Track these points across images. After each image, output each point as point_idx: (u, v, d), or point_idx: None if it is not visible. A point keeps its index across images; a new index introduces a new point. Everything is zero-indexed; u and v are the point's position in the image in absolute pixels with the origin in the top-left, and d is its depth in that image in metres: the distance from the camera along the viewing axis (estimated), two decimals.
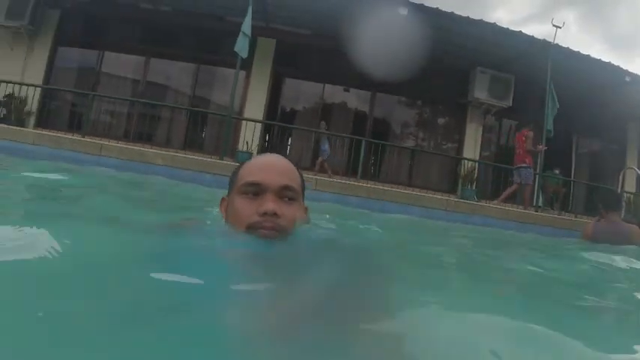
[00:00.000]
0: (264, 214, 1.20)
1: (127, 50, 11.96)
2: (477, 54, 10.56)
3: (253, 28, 8.86)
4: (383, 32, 10.30)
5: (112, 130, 11.41)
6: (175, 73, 12.30)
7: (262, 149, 10.89)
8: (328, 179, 6.00)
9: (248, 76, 11.44)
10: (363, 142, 9.05)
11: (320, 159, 10.59)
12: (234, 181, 1.32)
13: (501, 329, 0.77)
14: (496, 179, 10.55)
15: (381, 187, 6.08)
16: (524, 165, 8.68)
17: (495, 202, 8.45)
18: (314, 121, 11.63)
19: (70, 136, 7.00)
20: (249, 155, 9.96)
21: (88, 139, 6.75)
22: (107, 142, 6.34)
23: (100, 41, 11.93)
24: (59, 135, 6.84)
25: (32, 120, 10.89)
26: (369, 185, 6.32)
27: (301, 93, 12.61)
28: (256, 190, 1.24)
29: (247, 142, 9.98)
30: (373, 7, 9.06)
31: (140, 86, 11.94)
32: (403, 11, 8.73)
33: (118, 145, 6.80)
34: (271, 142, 11.46)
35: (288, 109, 12.49)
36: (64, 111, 12.03)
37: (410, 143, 12.45)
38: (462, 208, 6.18)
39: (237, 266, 1.09)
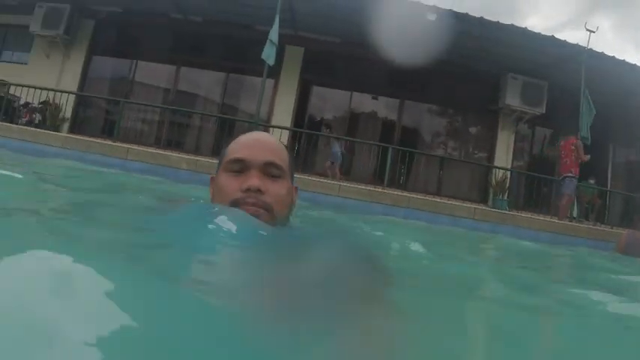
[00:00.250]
0: (248, 190, 1.18)
1: (158, 59, 12.30)
2: (508, 60, 10.40)
3: (282, 36, 8.99)
4: (411, 39, 10.26)
5: (143, 137, 11.69)
6: (205, 82, 12.55)
7: (289, 156, 10.93)
8: (354, 186, 5.98)
9: (276, 84, 11.58)
10: (390, 150, 8.97)
11: (328, 162, 10.55)
12: (221, 159, 1.30)
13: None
14: (529, 189, 10.31)
15: (406, 195, 6.01)
16: (569, 175, 8.39)
17: (557, 218, 8.12)
18: (341, 129, 11.65)
19: (98, 141, 7.19)
20: None
21: (115, 144, 6.93)
22: (133, 147, 6.48)
23: (133, 50, 12.30)
24: (88, 139, 7.04)
25: (66, 126, 11.25)
26: (393, 193, 6.26)
27: (329, 101, 12.66)
28: (240, 167, 1.22)
29: None
30: (401, 13, 9.03)
31: (171, 95, 12.22)
32: (432, 17, 8.68)
33: (144, 149, 6.94)
34: (298, 150, 11.50)
35: (315, 117, 12.53)
36: (97, 118, 12.44)
37: (439, 152, 12.31)
38: (491, 217, 6.07)
39: (218, 245, 1.04)
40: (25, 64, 12.39)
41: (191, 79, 12.54)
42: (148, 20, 11.93)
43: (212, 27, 11.65)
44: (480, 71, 11.04)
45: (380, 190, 6.54)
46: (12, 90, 10.49)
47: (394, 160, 9.40)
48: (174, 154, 6.56)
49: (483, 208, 6.96)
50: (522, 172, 11.26)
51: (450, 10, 9.02)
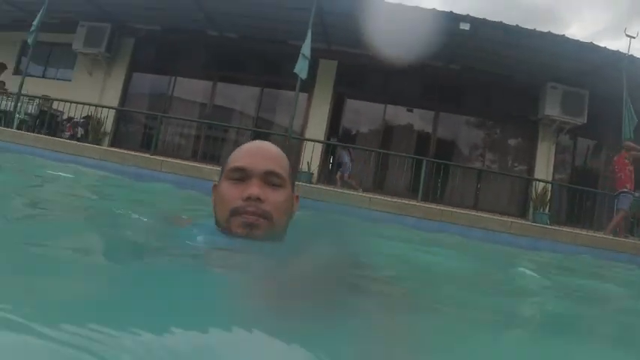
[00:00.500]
0: (248, 198, 1.20)
1: (195, 75, 12.66)
2: (546, 68, 10.15)
3: (315, 50, 9.10)
4: (445, 49, 10.20)
5: (180, 150, 11.97)
6: (240, 96, 12.81)
7: (323, 169, 10.97)
8: (384, 198, 5.91)
9: (310, 98, 11.69)
10: (424, 163, 8.84)
11: (339, 173, 10.59)
12: (223, 168, 1.34)
13: None
14: (570, 202, 9.95)
15: (438, 208, 5.89)
16: (624, 190, 8.09)
17: (603, 233, 7.83)
18: (375, 142, 11.60)
19: (134, 153, 7.40)
20: (310, 176, 10.09)
21: (151, 156, 7.11)
22: (167, 159, 6.63)
23: (171, 67, 12.71)
24: (124, 152, 7.25)
25: (107, 140, 11.62)
26: (425, 205, 6.16)
27: (362, 114, 12.66)
28: (242, 176, 1.25)
29: (308, 163, 10.10)
30: (434, 24, 8.95)
31: (207, 109, 12.49)
32: (465, 26, 8.57)
33: (177, 161, 7.10)
34: (332, 163, 11.51)
35: (349, 130, 12.52)
36: (136, 132, 12.82)
37: (477, 164, 12.05)
38: (528, 231, 5.88)
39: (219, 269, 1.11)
40: (69, 80, 12.97)
41: (227, 94, 12.82)
42: (185, 38, 12.32)
43: (247, 43, 11.90)
44: (518, 81, 10.82)
45: (412, 202, 6.45)
46: (55, 105, 10.99)
47: (429, 173, 9.25)
48: (206, 167, 6.67)
49: (521, 222, 6.75)
50: (564, 184, 10.88)
51: (484, 18, 8.87)
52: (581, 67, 9.81)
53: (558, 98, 10.53)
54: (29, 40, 9.97)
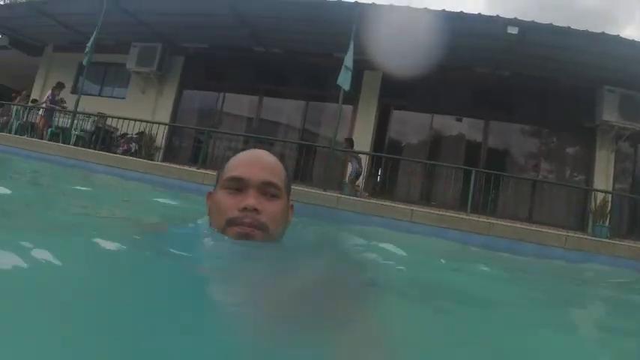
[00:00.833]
0: (244, 209, 1.20)
1: (242, 90, 12.99)
2: (601, 71, 9.64)
3: (359, 61, 9.10)
4: (493, 55, 9.92)
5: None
6: (286, 110, 12.94)
7: (369, 181, 10.85)
8: (427, 211, 5.73)
9: (355, 110, 11.68)
10: (473, 173, 8.55)
11: (349, 178, 10.46)
12: (219, 176, 1.33)
13: None
14: (633, 214, 9.34)
15: (486, 221, 5.65)
16: None
17: None
18: (423, 153, 11.38)
19: (178, 167, 7.58)
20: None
21: (195, 170, 7.26)
22: (209, 172, 6.74)
23: (219, 83, 13.02)
24: (168, 165, 7.45)
25: (160, 154, 11.99)
26: (473, 218, 5.92)
27: (409, 124, 12.47)
28: (238, 186, 1.24)
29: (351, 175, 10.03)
30: (480, 30, 8.72)
31: (254, 123, 12.68)
32: (513, 30, 8.26)
33: (211, 173, 7.21)
34: (378, 174, 11.35)
35: (396, 141, 12.35)
36: (187, 147, 13.14)
37: (530, 174, 11.52)
38: (585, 245, 5.53)
39: (211, 272, 1.11)
40: (124, 98, 13.58)
41: (273, 108, 13.01)
42: (232, 54, 12.66)
43: (292, 57, 12.06)
44: (572, 85, 10.33)
45: (459, 215, 6.22)
46: (110, 122, 11.51)
47: (479, 185, 8.93)
48: None
49: (579, 235, 6.37)
50: (625, 194, 10.23)
51: (533, 21, 8.52)
52: (638, 69, 9.22)
53: (616, 102, 9.95)
54: (84, 61, 10.52)
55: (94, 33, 10.49)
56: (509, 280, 2.31)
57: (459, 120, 12.07)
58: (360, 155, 10.31)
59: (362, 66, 10.74)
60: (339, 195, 5.97)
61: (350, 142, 10.90)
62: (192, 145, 13.28)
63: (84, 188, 4.06)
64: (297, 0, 9.41)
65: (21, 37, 14.73)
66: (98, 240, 1.07)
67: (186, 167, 8.39)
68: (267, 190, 1.25)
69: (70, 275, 0.85)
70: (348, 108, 11.36)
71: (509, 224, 5.87)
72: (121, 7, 10.96)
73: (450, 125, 12.17)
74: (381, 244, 2.17)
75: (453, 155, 11.63)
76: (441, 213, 5.88)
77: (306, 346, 0.69)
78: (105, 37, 12.02)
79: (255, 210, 1.20)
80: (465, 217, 6.39)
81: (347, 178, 10.53)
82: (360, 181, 10.36)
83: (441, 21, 8.60)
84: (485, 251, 4.46)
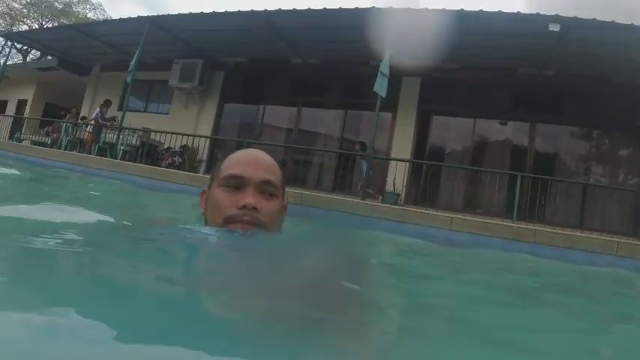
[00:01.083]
0: (244, 207, 1.20)
1: (281, 102, 13.08)
2: None
3: (397, 68, 8.99)
4: (535, 54, 9.54)
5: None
6: (325, 120, 12.91)
7: (410, 189, 10.61)
8: (467, 218, 5.48)
9: (394, 117, 11.51)
10: (519, 178, 8.18)
11: (360, 183, 10.20)
12: (215, 174, 1.33)
13: None
14: None
15: (530, 228, 5.34)
16: None
17: None
18: (466, 159, 11.04)
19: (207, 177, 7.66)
20: (397, 197, 9.79)
21: None
22: None
23: (258, 96, 13.21)
24: (205, 177, 7.52)
25: (203, 167, 12.21)
26: (516, 225, 5.62)
27: (451, 130, 12.15)
28: (237, 184, 1.24)
29: (394, 183, 9.82)
30: (520, 29, 8.38)
31: (293, 134, 12.70)
32: (554, 27, 7.87)
33: None
34: (419, 182, 11.07)
35: (437, 148, 12.05)
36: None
37: (581, 178, 10.93)
38: (638, 252, 5.09)
39: (208, 264, 1.11)
40: (167, 114, 13.94)
41: (312, 118, 13.03)
42: (270, 67, 12.76)
43: (329, 67, 12.06)
44: (623, 83, 9.72)
45: (504, 222, 5.92)
46: (155, 136, 11.87)
47: (525, 190, 8.54)
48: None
49: (631, 242, 5.92)
50: None
51: (575, 17, 8.08)
52: None
53: None
54: (128, 79, 10.90)
55: (137, 52, 10.86)
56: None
57: (504, 124, 11.62)
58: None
59: (399, 72, 10.57)
60: (374, 203, 5.82)
61: (362, 145, 10.84)
62: None
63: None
64: (331, 10, 9.38)
65: (69, 58, 15.46)
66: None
67: None
68: (265, 188, 1.25)
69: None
70: (387, 115, 11.21)
71: (556, 231, 5.53)
72: (161, 26, 11.31)
73: (493, 129, 11.75)
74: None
75: (497, 161, 11.21)
76: (482, 220, 5.62)
77: (304, 339, 0.70)
78: (148, 55, 12.44)
79: (254, 208, 1.20)
80: (510, 224, 6.08)
81: (360, 183, 10.44)
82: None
83: (478, 22, 8.35)
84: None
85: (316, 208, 5.52)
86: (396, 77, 10.21)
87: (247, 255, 1.14)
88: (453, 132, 12.17)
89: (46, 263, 0.90)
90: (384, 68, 8.45)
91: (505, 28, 8.65)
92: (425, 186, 10.10)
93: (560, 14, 8.11)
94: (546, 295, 1.90)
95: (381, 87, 8.41)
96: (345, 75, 11.93)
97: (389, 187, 10.20)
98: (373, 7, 9.05)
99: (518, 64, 10.37)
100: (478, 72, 10.51)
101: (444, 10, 8.52)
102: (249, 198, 1.20)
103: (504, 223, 5.91)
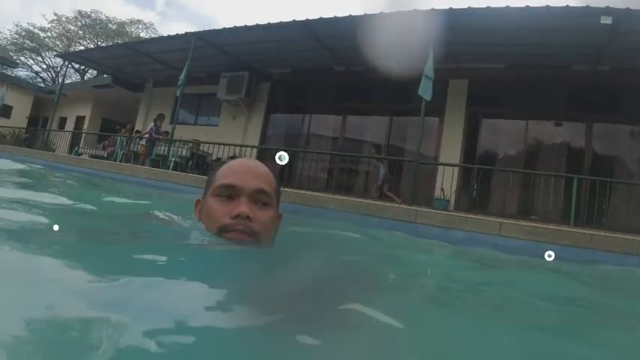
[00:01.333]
0: (237, 216, 1.20)
1: (325, 111, 13.17)
2: None
3: (442, 70, 8.84)
4: (587, 50, 9.10)
5: (316, 183, 12.28)
6: (370, 127, 12.85)
7: (460, 196, 10.36)
8: (516, 223, 5.24)
9: (441, 122, 11.28)
10: (575, 181, 7.78)
11: (377, 185, 10.36)
12: (209, 184, 1.33)
13: None
14: None
15: (587, 233, 5.05)
16: None
17: None
18: (519, 162, 10.64)
19: None
20: (446, 203, 9.55)
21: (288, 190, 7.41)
22: (298, 191, 6.81)
23: (303, 105, 13.35)
24: None
25: None
26: (572, 230, 5.33)
27: (501, 132, 11.74)
28: (231, 193, 1.25)
29: (443, 189, 9.61)
30: (571, 23, 7.99)
31: (339, 142, 12.71)
32: (606, 20, 7.47)
33: (294, 191, 7.25)
34: (469, 187, 10.76)
35: (487, 152, 11.69)
36: (273, 168, 13.48)
37: None
38: None
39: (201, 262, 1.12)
40: (216, 125, 14.29)
41: (357, 126, 13.01)
42: (314, 76, 12.86)
43: (372, 74, 11.90)
44: None
45: (560, 228, 5.64)
46: (203, 147, 12.23)
47: (583, 194, 8.11)
48: (322, 195, 6.71)
49: None
50: None
51: (627, 8, 7.61)
52: None
53: None
54: (177, 93, 11.26)
55: (185, 67, 11.22)
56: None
57: (558, 125, 11.12)
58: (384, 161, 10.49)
59: (446, 75, 10.39)
60: (417, 208, 5.68)
61: (378, 148, 10.87)
62: (280, 166, 13.62)
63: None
64: (372, 16, 9.35)
65: (123, 75, 16.20)
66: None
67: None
68: (258, 197, 1.26)
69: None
70: (433, 120, 11.01)
71: (615, 236, 5.20)
72: (207, 41, 11.66)
73: (547, 131, 11.26)
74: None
75: (553, 164, 10.73)
76: (533, 225, 5.36)
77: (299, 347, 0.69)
78: (196, 70, 12.83)
79: (248, 217, 1.21)
80: (566, 229, 5.78)
81: (375, 185, 10.59)
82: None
83: (525, 18, 8.06)
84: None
85: (357, 214, 5.45)
86: (443, 80, 10.03)
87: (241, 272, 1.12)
88: (503, 135, 11.77)
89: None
90: (429, 71, 8.31)
91: (554, 24, 8.29)
92: (476, 192, 9.82)
93: (610, 6, 7.72)
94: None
95: (425, 90, 8.27)
96: (389, 81, 11.80)
97: (437, 193, 9.99)
98: (415, 9, 8.94)
99: (570, 61, 9.91)
100: (528, 71, 10.13)
101: (488, 8, 8.29)
102: (243, 207, 1.21)
103: (559, 228, 5.63)
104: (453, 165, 9.94)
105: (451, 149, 10.99)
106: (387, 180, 10.53)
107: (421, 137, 8.66)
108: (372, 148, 11.37)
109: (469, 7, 8.43)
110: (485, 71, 10.68)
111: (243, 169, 1.30)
